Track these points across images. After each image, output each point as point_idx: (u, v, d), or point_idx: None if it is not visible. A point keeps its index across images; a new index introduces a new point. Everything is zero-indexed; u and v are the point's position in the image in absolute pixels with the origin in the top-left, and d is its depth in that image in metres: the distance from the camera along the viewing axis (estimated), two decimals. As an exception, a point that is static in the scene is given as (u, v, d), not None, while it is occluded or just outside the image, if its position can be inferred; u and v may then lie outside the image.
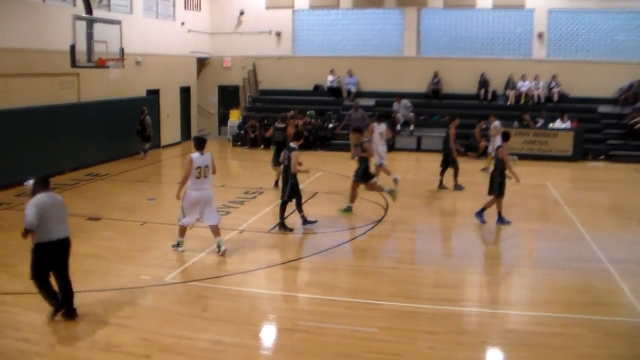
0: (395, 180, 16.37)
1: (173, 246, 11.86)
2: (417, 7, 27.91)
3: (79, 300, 9.25)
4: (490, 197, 13.82)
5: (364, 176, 14.56)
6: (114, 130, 21.55)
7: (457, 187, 17.83)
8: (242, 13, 29.92)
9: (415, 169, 22.94)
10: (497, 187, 13.63)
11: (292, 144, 13.04)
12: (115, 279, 10.38)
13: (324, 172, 20.49)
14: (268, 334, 8.49)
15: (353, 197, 14.93)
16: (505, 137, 14.04)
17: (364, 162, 14.48)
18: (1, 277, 10.27)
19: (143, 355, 7.55)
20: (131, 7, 23.74)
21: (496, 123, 21.02)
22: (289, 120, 17.96)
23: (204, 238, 12.93)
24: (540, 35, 26.82)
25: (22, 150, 17.52)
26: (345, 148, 22.79)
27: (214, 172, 11.68)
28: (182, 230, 11.77)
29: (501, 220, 13.91)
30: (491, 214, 13.88)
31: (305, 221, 13.42)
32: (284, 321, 8.79)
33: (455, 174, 17.84)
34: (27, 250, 11.64)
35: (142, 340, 7.91)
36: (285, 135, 16.73)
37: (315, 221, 13.51)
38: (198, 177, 11.32)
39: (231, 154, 26.02)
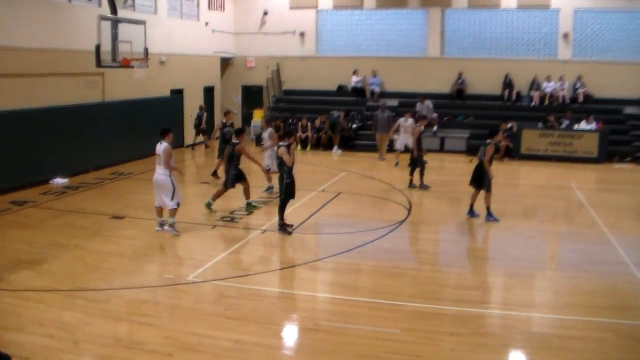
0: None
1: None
2: (441, 7, 27.77)
3: (102, 298, 9.35)
4: (474, 191, 14.50)
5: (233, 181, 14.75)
6: (138, 130, 21.68)
7: (423, 186, 17.81)
8: (265, 13, 29.99)
9: (438, 170, 22.79)
10: (487, 183, 14.08)
11: (280, 142, 13.02)
12: (138, 277, 10.45)
13: (348, 173, 20.46)
14: (290, 334, 8.49)
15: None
16: (491, 134, 14.43)
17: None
18: (27, 273, 10.36)
19: (165, 353, 7.59)
20: (155, 7, 23.91)
21: (401, 120, 21.83)
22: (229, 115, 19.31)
23: (225, 237, 13.01)
24: (565, 36, 26.55)
25: (48, 149, 17.71)
26: (369, 148, 22.85)
27: (164, 163, 12.59)
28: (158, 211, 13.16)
29: (491, 215, 14.24)
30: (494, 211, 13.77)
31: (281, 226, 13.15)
32: (306, 321, 8.79)
33: (421, 173, 17.85)
34: (54, 248, 11.83)
35: (165, 339, 7.96)
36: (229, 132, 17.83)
37: (290, 233, 13.07)
38: (158, 163, 12.69)
39: (254, 154, 25.99)
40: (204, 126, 25.85)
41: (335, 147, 25.46)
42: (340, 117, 26.24)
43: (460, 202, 16.56)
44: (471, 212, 14.60)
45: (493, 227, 13.82)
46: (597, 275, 10.74)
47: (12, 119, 16.66)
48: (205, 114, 25.88)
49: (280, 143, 12.91)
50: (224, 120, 18.88)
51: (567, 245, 13.16)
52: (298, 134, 25.69)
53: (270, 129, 17.29)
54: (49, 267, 10.80)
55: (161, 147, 12.67)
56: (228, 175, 14.67)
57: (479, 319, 8.89)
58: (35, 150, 17.25)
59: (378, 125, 23.51)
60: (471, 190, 14.62)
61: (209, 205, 14.80)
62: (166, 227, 12.92)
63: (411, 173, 17.94)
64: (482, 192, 14.30)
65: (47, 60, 18.15)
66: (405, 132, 21.40)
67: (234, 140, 14.77)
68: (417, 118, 19.18)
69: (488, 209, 14.24)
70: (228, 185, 14.70)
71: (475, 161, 14.67)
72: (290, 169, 12.74)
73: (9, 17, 16.78)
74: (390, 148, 23.04)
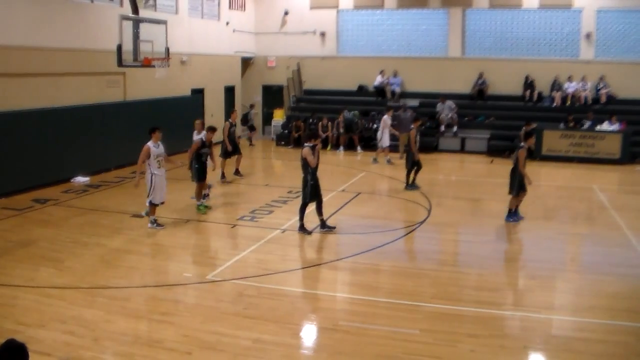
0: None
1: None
2: (462, 7, 27.64)
3: (123, 295, 9.41)
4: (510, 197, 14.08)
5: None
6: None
7: (411, 186, 17.55)
8: (286, 13, 30.02)
9: (459, 170, 22.73)
10: (516, 186, 13.79)
11: (305, 143, 13.00)
12: (158, 276, 10.52)
13: (368, 173, 20.44)
14: (308, 334, 8.50)
15: None
16: (526, 136, 14.13)
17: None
18: (48, 271, 10.46)
19: (184, 351, 7.62)
20: (177, 7, 24.03)
21: (385, 117, 22.41)
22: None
23: (246, 237, 13.04)
24: (588, 36, 26.30)
25: (70, 148, 17.87)
26: (390, 148, 22.71)
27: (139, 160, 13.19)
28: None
29: (511, 216, 14.09)
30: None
31: (323, 225, 13.14)
32: (325, 321, 8.78)
33: (410, 172, 17.61)
34: (75, 245, 11.92)
35: (184, 337, 7.99)
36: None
37: (334, 227, 13.25)
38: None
39: (275, 154, 26.15)
40: (251, 123, 27.30)
41: (341, 147, 25.81)
42: (354, 116, 26.25)
43: (480, 203, 16.51)
44: (512, 216, 14.24)
45: (514, 228, 13.73)
46: (620, 278, 10.63)
47: (35, 118, 16.85)
48: (252, 111, 27.58)
49: (305, 144, 12.91)
50: (230, 120, 18.89)
51: (589, 248, 13.04)
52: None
53: (204, 132, 15.52)
54: (70, 264, 10.89)
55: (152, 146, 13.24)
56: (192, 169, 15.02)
57: (498, 321, 8.83)
58: (57, 149, 17.41)
59: (401, 125, 23.50)
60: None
61: (200, 207, 14.85)
62: (145, 213, 13.63)
63: (408, 174, 17.72)
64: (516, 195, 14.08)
65: (69, 60, 18.31)
66: (387, 129, 22.33)
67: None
68: (414, 119, 18.95)
69: (510, 210, 14.12)
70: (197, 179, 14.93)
71: (379, 159, 14.44)
72: (315, 170, 12.72)
73: (32, 17, 16.96)
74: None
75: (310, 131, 14.43)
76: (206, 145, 14.82)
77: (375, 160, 22.48)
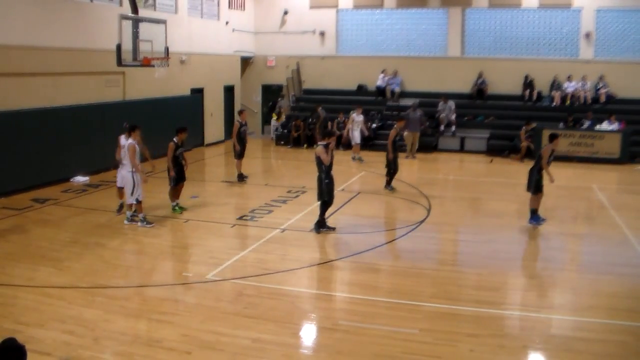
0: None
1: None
2: (461, 7, 27.64)
3: (122, 295, 9.41)
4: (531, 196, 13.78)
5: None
6: (159, 128, 21.75)
7: (389, 187, 17.39)
8: (286, 12, 30.03)
9: (458, 170, 22.74)
10: (533, 184, 13.56)
11: (319, 142, 13.01)
12: (158, 276, 10.54)
13: (367, 172, 20.44)
14: (308, 333, 8.50)
15: None
16: (551, 138, 13.78)
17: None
18: (48, 270, 10.46)
19: (184, 351, 7.63)
20: (176, 7, 24.03)
21: (354, 115, 23.16)
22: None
23: (246, 236, 13.06)
24: (587, 35, 26.29)
25: (69, 148, 17.86)
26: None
27: (129, 159, 13.24)
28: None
29: (534, 218, 13.69)
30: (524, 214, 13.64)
31: (323, 224, 13.15)
32: (324, 320, 8.79)
33: (393, 174, 17.40)
34: (74, 245, 11.93)
35: (183, 337, 8.00)
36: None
37: (334, 228, 13.18)
38: (123, 157, 13.38)
39: (274, 153, 26.14)
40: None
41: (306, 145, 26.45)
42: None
43: (480, 203, 16.52)
44: (534, 218, 13.75)
45: (513, 227, 13.73)
46: (619, 278, 10.64)
47: (34, 117, 16.84)
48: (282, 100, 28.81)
49: (319, 143, 12.95)
50: (239, 120, 18.79)
51: (588, 247, 13.04)
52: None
53: (130, 141, 13.32)
54: (69, 264, 10.89)
55: (126, 143, 13.23)
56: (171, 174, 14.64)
57: (498, 320, 8.84)
58: (57, 149, 17.41)
59: (409, 124, 23.54)
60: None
61: (175, 208, 14.73)
62: (138, 224, 13.33)
63: (387, 174, 17.50)
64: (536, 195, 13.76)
65: (68, 60, 18.31)
66: (358, 126, 23.03)
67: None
68: (399, 118, 19.00)
69: (532, 211, 13.73)
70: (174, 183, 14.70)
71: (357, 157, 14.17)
72: (329, 168, 12.74)
73: (31, 16, 16.94)
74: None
75: (325, 131, 14.31)
76: (179, 146, 14.55)
77: (354, 158, 22.96)
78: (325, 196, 12.88)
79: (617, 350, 7.84)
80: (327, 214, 13.19)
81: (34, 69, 17.14)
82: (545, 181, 13.58)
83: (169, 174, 14.52)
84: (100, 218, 14.01)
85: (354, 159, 22.74)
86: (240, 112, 19.23)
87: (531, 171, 13.77)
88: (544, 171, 13.51)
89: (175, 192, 14.75)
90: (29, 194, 16.18)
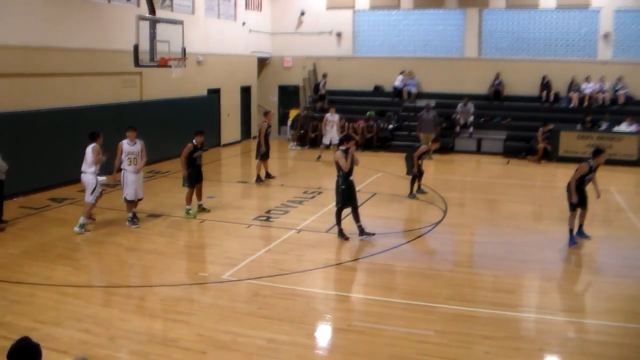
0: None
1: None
2: (478, 8, 27.53)
3: (138, 294, 9.46)
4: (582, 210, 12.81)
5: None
6: (175, 128, 21.86)
7: (412, 195, 16.79)
8: (302, 13, 30.05)
9: (475, 171, 22.65)
10: (569, 200, 12.63)
11: (339, 147, 12.83)
12: (174, 275, 10.57)
13: (384, 174, 20.42)
14: (323, 334, 8.50)
15: None
16: (595, 154, 12.75)
17: None
18: (65, 269, 10.54)
19: (199, 350, 7.65)
20: (193, 8, 24.12)
21: (328, 115, 23.19)
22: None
23: (261, 237, 13.08)
24: (606, 36, 26.09)
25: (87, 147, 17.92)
26: (404, 149, 22.59)
27: (90, 160, 13.41)
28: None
29: (571, 239, 12.61)
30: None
31: (361, 232, 12.72)
32: (339, 321, 8.79)
33: (419, 178, 17.03)
34: (91, 244, 12.02)
35: (199, 336, 8.02)
36: None
37: (374, 233, 12.86)
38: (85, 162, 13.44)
39: (290, 153, 26.15)
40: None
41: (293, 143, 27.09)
42: (370, 116, 26.58)
43: (496, 204, 16.45)
44: (571, 239, 12.64)
45: (529, 229, 13.65)
46: (637, 281, 10.55)
47: (52, 117, 16.98)
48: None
49: (339, 147, 12.71)
50: (266, 121, 18.76)
51: (606, 249, 12.94)
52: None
53: (93, 144, 13.66)
54: (86, 263, 10.98)
55: (89, 147, 13.41)
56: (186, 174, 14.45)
57: (514, 323, 8.80)
58: (75, 148, 17.45)
59: (423, 126, 23.47)
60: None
61: (189, 212, 14.46)
62: (76, 228, 12.95)
63: (413, 181, 16.98)
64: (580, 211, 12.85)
65: (86, 60, 18.43)
66: (332, 127, 23.10)
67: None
68: (433, 140, 18.24)
69: (570, 231, 12.73)
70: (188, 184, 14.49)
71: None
72: (348, 174, 12.41)
73: (49, 17, 17.08)
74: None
75: (344, 135, 14.00)
76: (198, 148, 14.37)
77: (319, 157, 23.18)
78: (340, 202, 12.59)
79: (635, 354, 7.78)
80: (342, 215, 12.94)
81: (52, 69, 17.27)
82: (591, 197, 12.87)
83: (183, 174, 14.35)
84: (117, 218, 14.07)
85: (319, 157, 22.98)
86: (267, 114, 19.21)
87: (568, 187, 12.74)
88: (585, 185, 12.56)
89: (191, 195, 14.53)
90: (46, 193, 16.31)
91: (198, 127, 13.90)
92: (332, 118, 23.33)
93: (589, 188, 12.71)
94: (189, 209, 14.49)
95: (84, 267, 10.73)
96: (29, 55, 16.49)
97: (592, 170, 12.44)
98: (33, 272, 10.33)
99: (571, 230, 12.66)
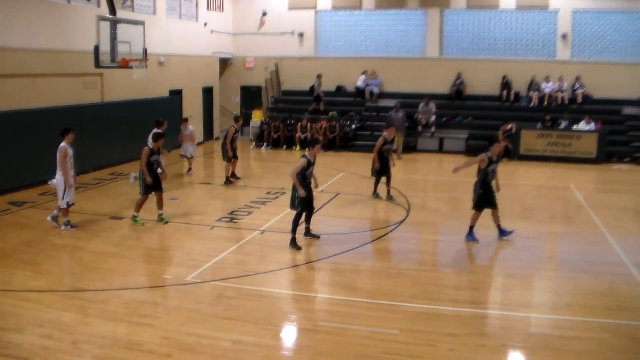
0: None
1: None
2: (440, 8, 27.78)
3: (101, 298, 9.35)
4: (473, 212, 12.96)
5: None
6: (138, 130, 21.62)
7: (376, 194, 16.70)
8: (264, 14, 29.98)
9: (437, 171, 22.84)
10: (475, 199, 12.83)
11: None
12: (137, 278, 10.46)
13: (347, 174, 20.47)
14: (289, 335, 8.49)
15: None
16: (490, 144, 12.78)
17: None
18: (26, 274, 10.36)
19: (164, 354, 7.59)
20: (155, 8, 23.91)
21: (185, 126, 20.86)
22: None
23: (225, 238, 13.01)
24: (564, 36, 26.56)
25: (47, 150, 17.58)
26: (369, 149, 22.71)
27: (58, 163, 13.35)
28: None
29: (502, 233, 12.91)
30: (488, 226, 13.36)
31: (307, 232, 12.71)
32: (305, 322, 8.80)
33: (388, 182, 16.63)
34: (52, 248, 11.82)
35: (164, 340, 7.96)
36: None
37: (319, 236, 12.78)
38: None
39: (253, 155, 26.08)
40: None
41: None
42: (332, 117, 26.73)
43: (458, 203, 16.57)
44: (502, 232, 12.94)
45: (492, 228, 13.77)
46: (596, 276, 10.75)
47: (11, 119, 16.68)
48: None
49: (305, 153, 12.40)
50: (235, 126, 18.41)
51: (566, 246, 13.17)
52: (297, 135, 25.80)
53: (61, 145, 13.64)
54: (48, 267, 10.80)
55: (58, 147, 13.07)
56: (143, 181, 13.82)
57: (478, 320, 8.89)
58: (34, 151, 17.22)
59: (394, 126, 23.57)
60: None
61: (136, 219, 13.80)
62: (62, 227, 13.15)
63: (377, 183, 16.82)
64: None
65: (46, 61, 18.15)
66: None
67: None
68: (387, 126, 17.96)
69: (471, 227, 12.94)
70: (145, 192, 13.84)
71: None
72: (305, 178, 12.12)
73: (8, 17, 16.78)
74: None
75: (310, 139, 13.49)
76: (155, 152, 13.78)
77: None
78: (297, 206, 12.27)
79: (595, 348, 7.92)
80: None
81: (10, 70, 16.97)
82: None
83: (144, 180, 13.63)
84: (78, 221, 13.87)
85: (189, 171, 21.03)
86: (237, 120, 18.86)
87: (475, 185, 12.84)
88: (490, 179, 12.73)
89: (142, 202, 13.81)
90: (6, 197, 16.02)
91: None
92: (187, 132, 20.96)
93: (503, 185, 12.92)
94: (136, 217, 13.76)
95: (45, 272, 10.56)
96: (-15, 56, 16.21)
97: (492, 161, 12.49)
98: (-8, 278, 10.14)
99: (472, 227, 12.87)
